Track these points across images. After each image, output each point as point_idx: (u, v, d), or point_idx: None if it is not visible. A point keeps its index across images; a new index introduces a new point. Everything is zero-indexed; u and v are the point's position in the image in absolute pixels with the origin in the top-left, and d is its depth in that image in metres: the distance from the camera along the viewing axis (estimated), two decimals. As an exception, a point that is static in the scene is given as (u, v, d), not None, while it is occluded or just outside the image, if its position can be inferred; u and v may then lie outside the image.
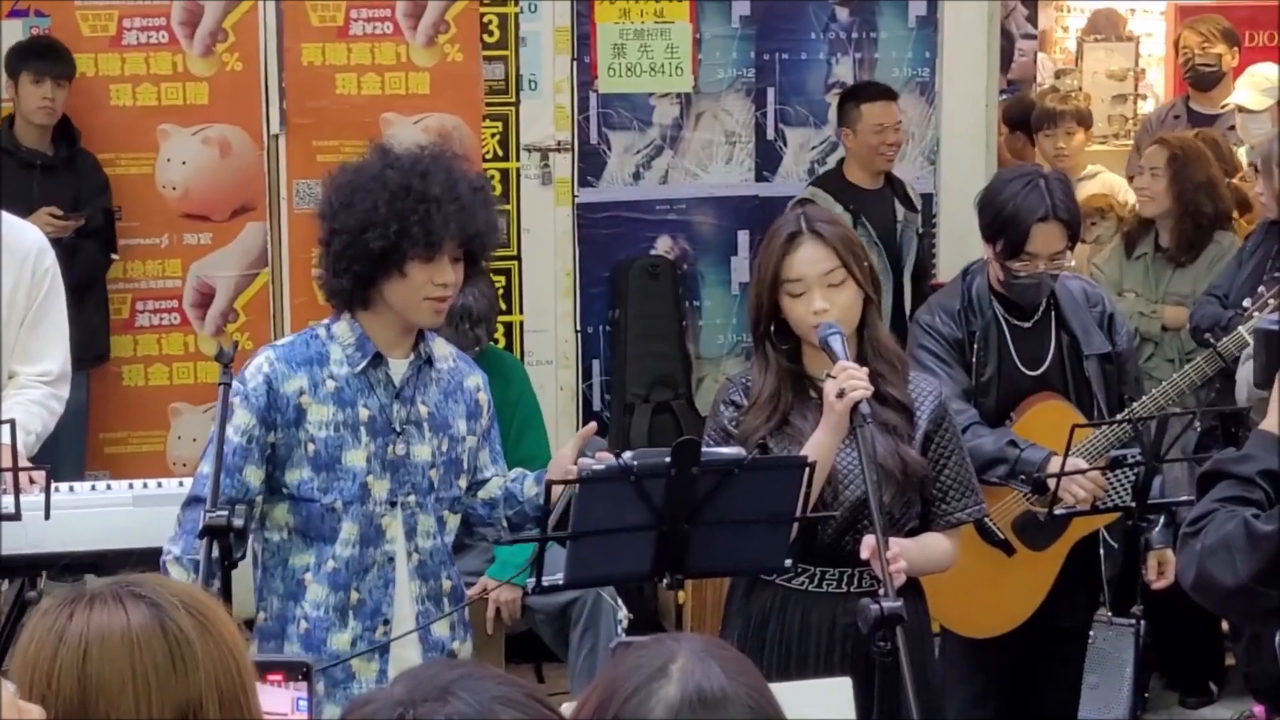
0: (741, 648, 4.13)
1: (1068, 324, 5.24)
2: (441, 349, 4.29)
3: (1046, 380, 5.25)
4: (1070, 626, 5.24)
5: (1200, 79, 8.13)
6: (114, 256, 6.88)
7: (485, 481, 4.32)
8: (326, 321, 4.20)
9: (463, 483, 4.24)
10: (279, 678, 2.82)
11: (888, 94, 7.29)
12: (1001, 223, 5.08)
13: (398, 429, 4.14)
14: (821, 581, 4.16)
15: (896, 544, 3.96)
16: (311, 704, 2.86)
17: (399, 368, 4.17)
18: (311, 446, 4.09)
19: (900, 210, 7.31)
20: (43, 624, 2.32)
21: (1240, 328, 5.28)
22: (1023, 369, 5.24)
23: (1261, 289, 5.28)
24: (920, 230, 7.31)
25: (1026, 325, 5.26)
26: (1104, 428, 5.17)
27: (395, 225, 4.00)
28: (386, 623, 4.16)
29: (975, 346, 5.18)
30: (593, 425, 4.21)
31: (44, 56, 6.75)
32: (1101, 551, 5.33)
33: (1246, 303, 5.29)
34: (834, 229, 4.17)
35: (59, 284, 5.02)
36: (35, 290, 4.93)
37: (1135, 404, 5.23)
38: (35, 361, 4.94)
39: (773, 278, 4.14)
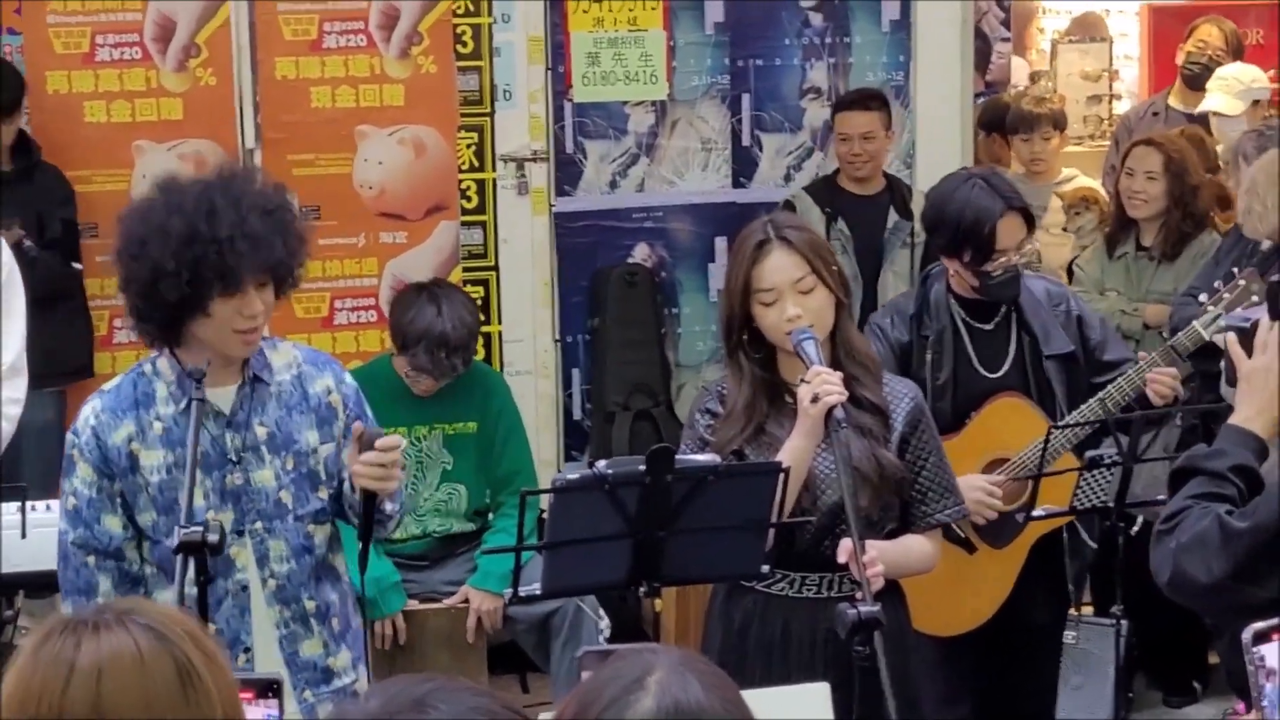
0: (723, 654, 4.17)
1: (1029, 325, 5.26)
2: (282, 357, 4.20)
3: (1007, 382, 5.27)
4: (1038, 626, 5.25)
5: (1197, 77, 8.09)
6: (77, 266, 6.83)
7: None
8: (152, 356, 4.14)
9: (323, 494, 4.16)
10: (249, 695, 2.80)
11: (858, 103, 7.25)
12: (963, 233, 5.09)
13: (234, 459, 4.08)
14: (802, 587, 4.16)
15: (874, 547, 3.97)
16: None
17: (225, 396, 4.09)
18: (150, 490, 4.05)
19: (893, 217, 7.28)
20: (45, 652, 2.27)
21: (1195, 323, 5.27)
22: (981, 371, 5.26)
23: (1218, 285, 5.27)
24: (914, 238, 7.24)
25: (987, 328, 5.28)
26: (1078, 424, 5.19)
27: (187, 274, 3.91)
28: (247, 650, 4.11)
29: (929, 351, 5.19)
30: (359, 424, 4.08)
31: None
32: (1066, 550, 5.34)
33: (1203, 298, 5.28)
34: (801, 234, 4.18)
35: (18, 280, 4.98)
36: None
37: (1092, 400, 5.23)
38: None
39: (743, 287, 4.14)
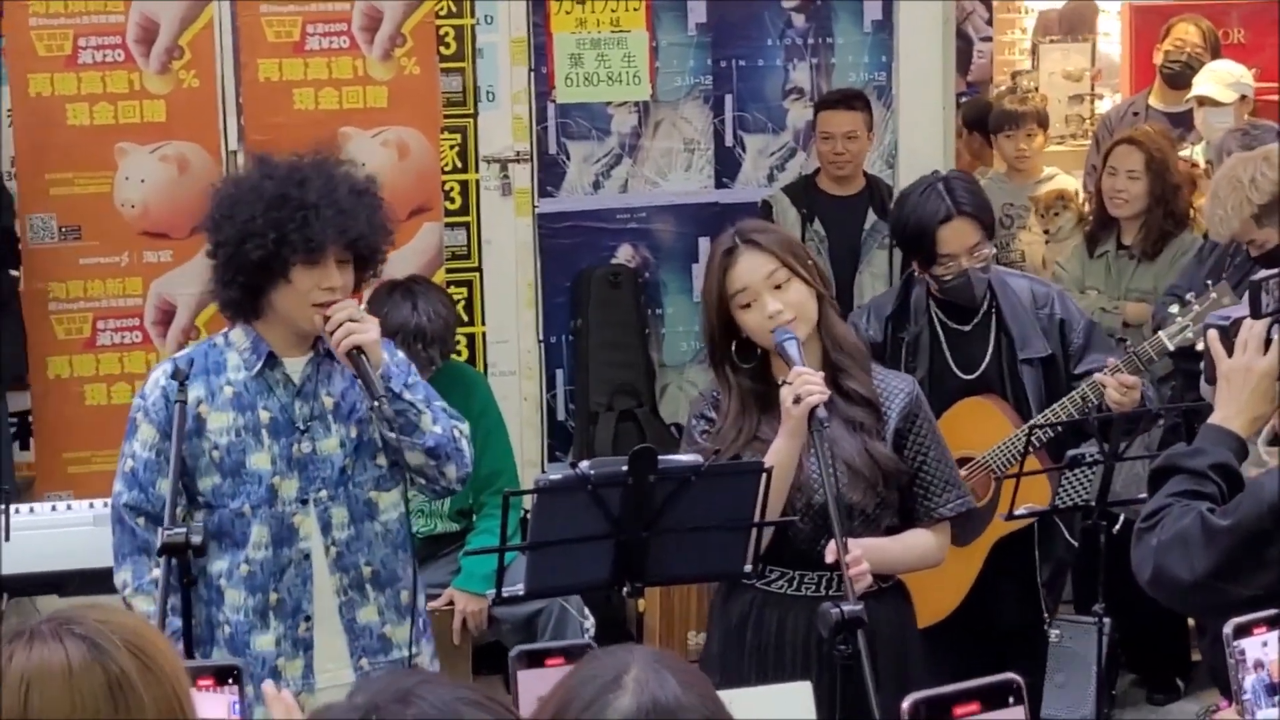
0: (722, 651, 4.21)
1: (1007, 327, 5.30)
2: None
3: (984, 383, 5.30)
4: (1009, 625, 5.27)
5: (1176, 76, 8.09)
6: (14, 274, 6.80)
7: None
8: (225, 331, 4.27)
9: (381, 460, 4.25)
10: (209, 683, 2.84)
11: (840, 102, 7.27)
12: (911, 236, 5.20)
13: (301, 427, 4.19)
14: (800, 585, 4.17)
15: (865, 545, 3.98)
16: (244, 706, 2.88)
17: (296, 366, 4.21)
18: (216, 454, 4.14)
19: (871, 218, 7.29)
20: None
21: (1160, 333, 5.27)
22: (957, 372, 5.29)
23: (1190, 296, 5.28)
24: (891, 240, 7.25)
25: (966, 329, 5.31)
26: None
27: (274, 234, 4.06)
28: (308, 619, 4.20)
29: (904, 351, 5.22)
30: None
31: None
32: (1037, 554, 5.36)
33: (1174, 309, 5.28)
34: (768, 235, 4.20)
35: None
36: None
37: (1054, 405, 5.24)
38: None
39: (718, 296, 4.16)
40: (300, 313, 4.14)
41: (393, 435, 4.11)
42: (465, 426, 4.33)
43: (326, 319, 4.08)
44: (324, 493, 4.20)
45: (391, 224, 4.33)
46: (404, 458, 4.17)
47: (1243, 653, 3.00)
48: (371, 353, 4.06)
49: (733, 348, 4.18)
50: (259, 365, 4.18)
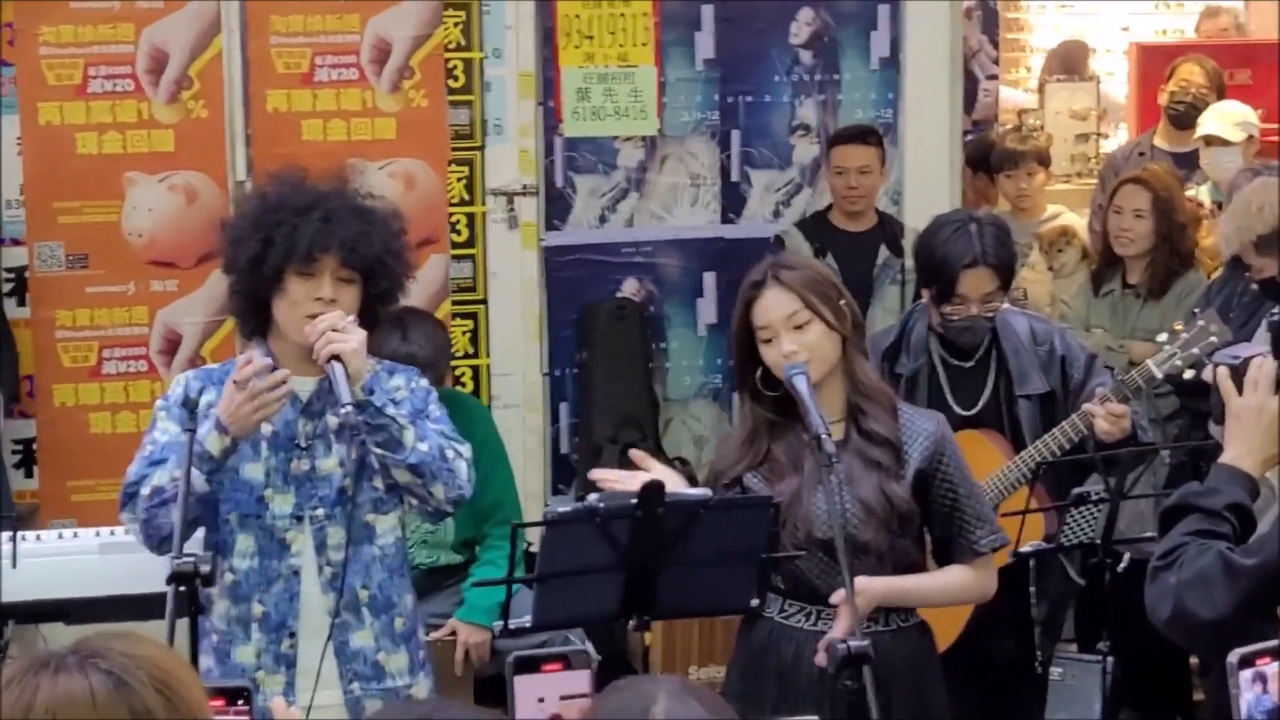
0: (744, 675, 4.25)
1: (1007, 365, 5.32)
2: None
3: (981, 420, 5.33)
4: (1002, 662, 5.27)
5: (1182, 116, 8.11)
6: None
7: None
8: (247, 351, 4.31)
9: (378, 482, 4.24)
10: (220, 703, 2.83)
11: (855, 137, 7.29)
12: (932, 268, 5.24)
13: (302, 444, 4.21)
14: (818, 620, 4.18)
15: (885, 584, 4.06)
16: None
17: (306, 385, 4.23)
18: None
19: (883, 254, 7.31)
20: (8, 697, 2.29)
21: (1148, 361, 5.28)
22: (956, 409, 5.30)
23: (1178, 324, 5.29)
24: (904, 275, 7.26)
25: (967, 365, 5.34)
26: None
27: (262, 234, 4.13)
28: (292, 635, 4.20)
29: (901, 386, 5.24)
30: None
31: None
32: (1033, 590, 5.36)
33: (1161, 337, 5.29)
34: (799, 273, 4.22)
35: None
36: None
37: (1045, 436, 5.25)
38: None
39: (742, 327, 4.21)
40: (294, 324, 4.17)
41: (377, 451, 4.12)
42: (465, 448, 4.32)
43: (313, 329, 4.09)
44: (321, 511, 4.21)
45: (407, 252, 4.35)
46: (391, 475, 4.18)
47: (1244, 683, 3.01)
48: (350, 362, 4.06)
49: (757, 375, 4.22)
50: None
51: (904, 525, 4.18)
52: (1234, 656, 3.00)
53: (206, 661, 4.18)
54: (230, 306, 4.34)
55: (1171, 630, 3.42)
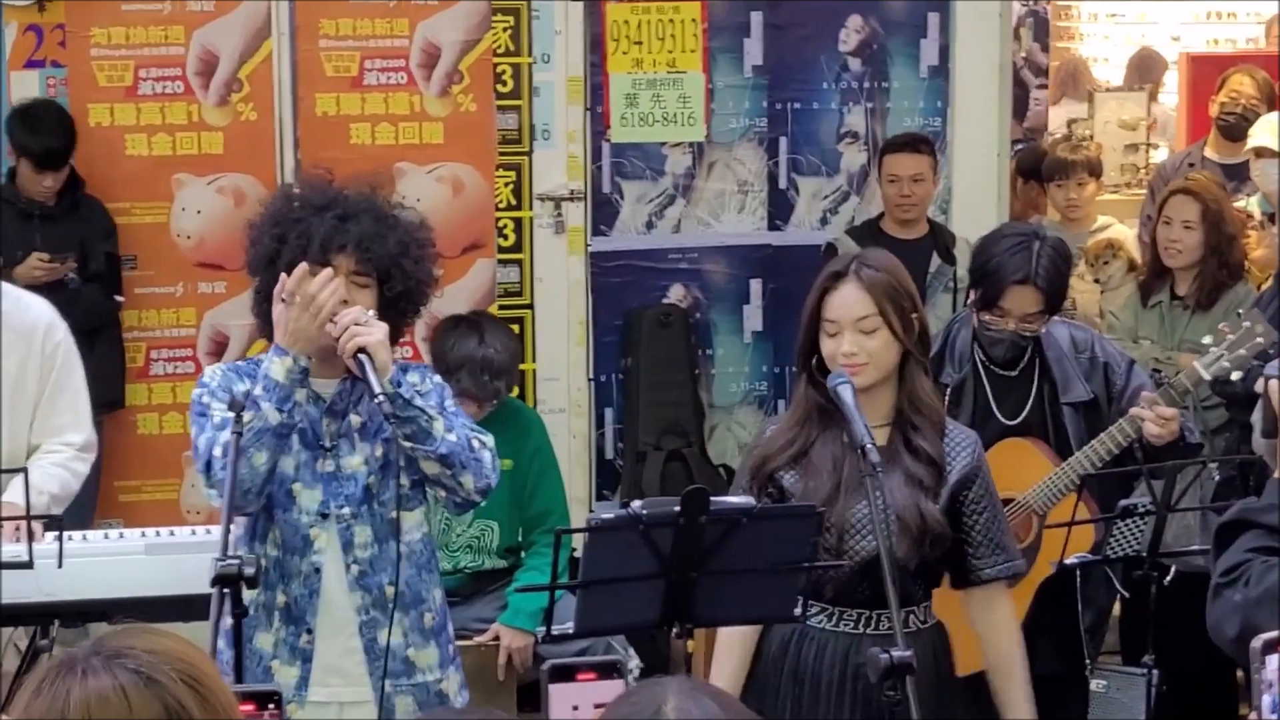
0: (762, 677, 4.23)
1: (1050, 373, 5.31)
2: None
3: (1026, 428, 5.31)
4: (1048, 673, 5.23)
5: (1232, 127, 8.07)
6: (119, 299, 6.89)
7: None
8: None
9: (404, 479, 4.24)
10: (251, 707, 2.84)
11: (908, 145, 7.27)
12: (985, 274, 5.24)
13: (326, 444, 4.21)
14: (839, 621, 4.17)
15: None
16: None
17: (328, 386, 4.23)
18: None
19: (935, 262, 7.29)
20: (39, 704, 2.28)
21: (1195, 362, 5.24)
22: (1000, 417, 5.29)
23: (1223, 325, 5.25)
24: (955, 283, 7.24)
25: (1012, 374, 5.33)
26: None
27: (278, 232, 4.14)
28: (310, 631, 4.21)
29: (946, 396, 5.22)
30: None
31: (45, 162, 6.70)
32: (1080, 598, 5.33)
33: (1207, 339, 5.26)
34: (880, 276, 4.18)
35: (73, 356, 5.04)
36: (47, 367, 4.96)
37: (1094, 441, 5.23)
38: (58, 434, 4.99)
39: (812, 314, 4.18)
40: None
41: (407, 444, 4.12)
42: (488, 438, 4.31)
43: (335, 325, 4.09)
44: (346, 510, 4.20)
45: (433, 260, 4.32)
46: (420, 468, 4.17)
47: (1264, 668, 2.96)
48: (377, 355, 4.05)
49: (814, 361, 4.20)
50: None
51: (934, 545, 4.16)
52: (1258, 641, 2.95)
53: (219, 642, 4.16)
54: (251, 307, 4.31)
55: (1239, 649, 3.38)
